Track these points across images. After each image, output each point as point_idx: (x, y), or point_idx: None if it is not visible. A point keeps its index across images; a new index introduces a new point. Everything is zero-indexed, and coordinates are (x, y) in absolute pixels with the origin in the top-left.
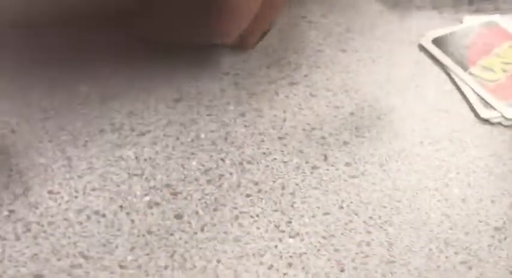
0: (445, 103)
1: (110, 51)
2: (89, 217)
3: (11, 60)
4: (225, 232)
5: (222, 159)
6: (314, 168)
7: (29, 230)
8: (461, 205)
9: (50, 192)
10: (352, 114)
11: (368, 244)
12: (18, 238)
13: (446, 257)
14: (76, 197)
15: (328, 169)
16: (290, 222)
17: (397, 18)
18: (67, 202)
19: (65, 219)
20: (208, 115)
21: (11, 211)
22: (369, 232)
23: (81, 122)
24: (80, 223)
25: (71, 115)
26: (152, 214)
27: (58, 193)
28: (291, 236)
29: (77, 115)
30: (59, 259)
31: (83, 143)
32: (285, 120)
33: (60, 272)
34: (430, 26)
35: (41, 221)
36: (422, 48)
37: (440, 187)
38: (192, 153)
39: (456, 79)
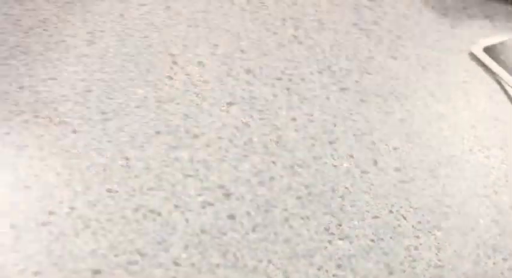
0: (495, 111)
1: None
2: (145, 216)
3: (74, 65)
4: (276, 233)
5: (274, 162)
6: (364, 172)
7: (88, 226)
8: (510, 212)
9: (108, 190)
10: (402, 120)
11: (416, 248)
12: (77, 234)
13: (494, 263)
14: (133, 196)
15: (378, 174)
16: (340, 225)
17: (448, 27)
18: (125, 200)
19: (123, 217)
20: (260, 119)
21: (72, 208)
22: (417, 237)
23: (138, 124)
24: (137, 221)
25: (128, 117)
26: (205, 213)
27: (116, 191)
28: (340, 239)
29: (134, 117)
30: (116, 255)
31: (140, 144)
32: (335, 125)
33: (117, 267)
34: (482, 34)
35: (100, 219)
36: (473, 56)
37: (489, 194)
38: (245, 156)
39: (507, 88)
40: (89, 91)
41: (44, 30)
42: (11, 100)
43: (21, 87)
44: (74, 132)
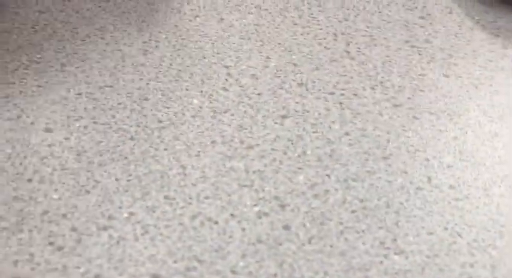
0: None
1: None
2: (202, 223)
3: (130, 74)
4: (332, 246)
5: (328, 175)
6: (418, 188)
7: (147, 232)
8: None
9: (166, 197)
10: (455, 138)
11: (471, 265)
12: (137, 239)
13: None
14: (190, 204)
15: (432, 191)
16: (395, 240)
17: (500, 47)
18: (182, 207)
19: (180, 224)
20: (314, 132)
21: (131, 213)
22: (472, 254)
23: (194, 133)
24: (194, 228)
25: (184, 126)
26: (261, 223)
27: (174, 199)
28: (396, 253)
29: (189, 126)
30: (175, 261)
31: (196, 153)
32: (389, 141)
33: (176, 273)
34: None
35: (158, 225)
36: None
37: None
38: (299, 168)
39: None
40: (146, 99)
41: (101, 38)
42: (69, 106)
43: (79, 94)
44: (132, 139)
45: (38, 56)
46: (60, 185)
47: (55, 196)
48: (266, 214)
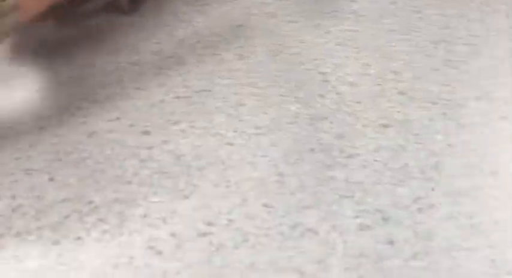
0: None
1: None
2: (302, 234)
3: (226, 78)
4: (437, 263)
5: (432, 189)
6: None
7: (246, 240)
8: None
9: (265, 205)
10: None
11: None
12: (237, 247)
13: None
14: (289, 212)
15: None
16: (506, 260)
17: None
18: (282, 216)
19: (280, 233)
20: (416, 143)
21: (230, 220)
22: None
23: (292, 140)
24: (294, 238)
25: (281, 133)
26: (364, 236)
27: (272, 207)
28: (508, 273)
29: (287, 133)
30: (275, 271)
31: (294, 160)
32: (497, 155)
33: None
34: None
35: (258, 233)
36: None
37: None
38: (401, 180)
39: None
40: (242, 104)
41: (197, 41)
42: (167, 109)
43: (177, 97)
44: (229, 144)
45: (136, 57)
46: (160, 188)
47: (154, 200)
48: (368, 227)
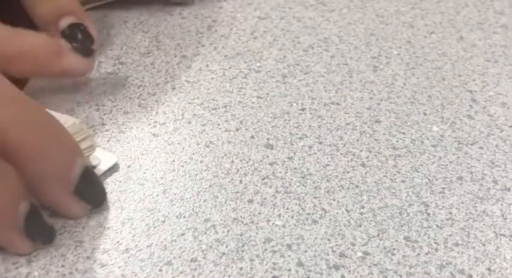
0: None
1: None
2: (452, 275)
3: (358, 91)
4: None
5: None
6: None
7: None
8: None
9: (406, 239)
10: None
11: None
12: None
13: None
14: (437, 250)
15: None
16: None
17: None
18: (427, 253)
19: (426, 273)
20: None
21: (365, 253)
22: None
23: (436, 166)
24: None
25: (423, 157)
26: None
27: (416, 241)
28: None
29: (430, 157)
30: None
31: (439, 190)
32: None
33: None
34: None
35: (399, 271)
36: None
37: None
38: None
39: None
40: (377, 121)
41: (325, 50)
42: (292, 122)
43: (302, 109)
44: (363, 165)
45: (258, 64)
46: (284, 210)
47: (278, 223)
48: None
